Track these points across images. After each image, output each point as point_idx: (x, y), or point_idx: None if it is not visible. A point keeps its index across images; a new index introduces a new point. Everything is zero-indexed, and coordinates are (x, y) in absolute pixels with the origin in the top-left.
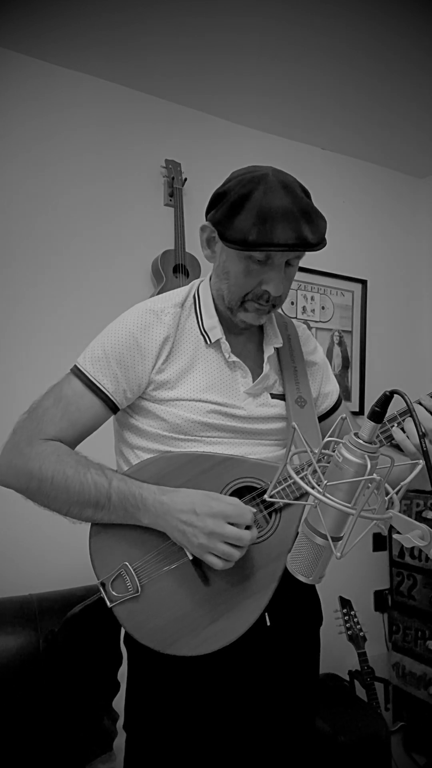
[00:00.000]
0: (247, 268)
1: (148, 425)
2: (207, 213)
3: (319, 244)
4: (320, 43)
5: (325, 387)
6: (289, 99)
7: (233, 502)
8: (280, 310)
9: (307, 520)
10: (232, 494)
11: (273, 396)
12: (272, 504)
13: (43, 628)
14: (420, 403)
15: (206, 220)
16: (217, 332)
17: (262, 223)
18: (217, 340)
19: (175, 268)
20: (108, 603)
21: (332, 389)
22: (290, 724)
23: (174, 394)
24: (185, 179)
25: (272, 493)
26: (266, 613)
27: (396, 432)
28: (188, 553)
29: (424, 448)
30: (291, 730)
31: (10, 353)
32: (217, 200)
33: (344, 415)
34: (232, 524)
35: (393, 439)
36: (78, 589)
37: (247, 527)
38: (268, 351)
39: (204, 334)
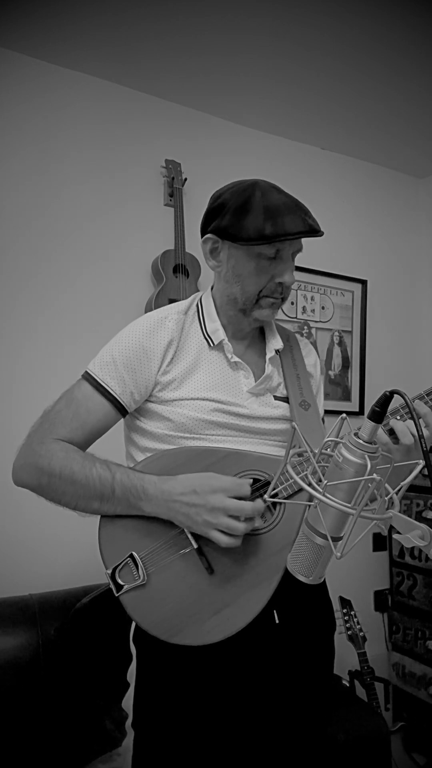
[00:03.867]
0: (259, 266)
1: (155, 427)
2: (205, 227)
3: (320, 230)
4: (320, 43)
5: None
6: (289, 99)
7: (230, 478)
8: (285, 316)
9: (307, 520)
10: None
11: (276, 398)
12: (276, 495)
13: (43, 628)
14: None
15: (206, 232)
16: (219, 334)
17: (273, 218)
18: (220, 342)
19: (175, 268)
20: (115, 591)
21: (319, 406)
22: (298, 726)
23: (178, 394)
24: (185, 179)
25: (273, 492)
26: (275, 611)
27: (395, 423)
28: (193, 542)
29: (425, 448)
30: (299, 732)
31: (10, 353)
32: (216, 213)
33: (344, 414)
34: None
35: (393, 432)
36: (78, 589)
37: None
38: (270, 353)
39: (207, 337)
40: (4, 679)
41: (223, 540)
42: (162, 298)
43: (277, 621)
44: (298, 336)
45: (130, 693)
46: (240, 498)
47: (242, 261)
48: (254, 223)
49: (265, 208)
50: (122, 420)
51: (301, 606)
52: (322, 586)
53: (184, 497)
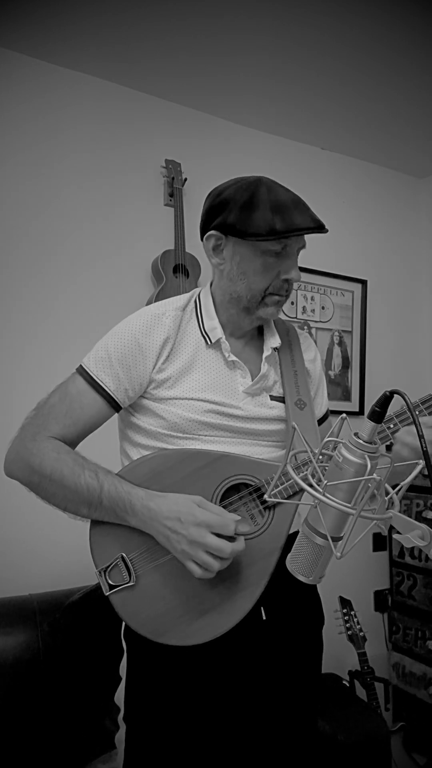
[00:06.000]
0: (265, 263)
1: (148, 423)
2: (206, 225)
3: (325, 226)
4: (320, 43)
5: (316, 399)
6: (289, 99)
7: (218, 512)
8: (284, 315)
9: (307, 520)
10: (226, 491)
11: (272, 398)
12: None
13: (43, 628)
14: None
15: (209, 229)
16: (217, 332)
17: (281, 213)
18: (218, 340)
19: (175, 268)
20: (105, 591)
21: (321, 402)
22: (288, 720)
23: (173, 392)
24: (185, 179)
25: (272, 492)
26: (262, 608)
27: (402, 434)
28: None
29: (424, 448)
30: (289, 726)
31: (10, 353)
32: (219, 209)
33: (344, 414)
34: (217, 534)
35: (390, 440)
36: (77, 589)
37: (234, 539)
38: (267, 351)
39: (204, 335)
40: (4, 679)
41: (197, 572)
42: (162, 298)
43: (264, 617)
44: (298, 330)
45: (122, 687)
46: (223, 536)
47: (248, 257)
48: (263, 218)
49: (272, 203)
50: (116, 414)
51: (289, 602)
52: None
53: (167, 522)
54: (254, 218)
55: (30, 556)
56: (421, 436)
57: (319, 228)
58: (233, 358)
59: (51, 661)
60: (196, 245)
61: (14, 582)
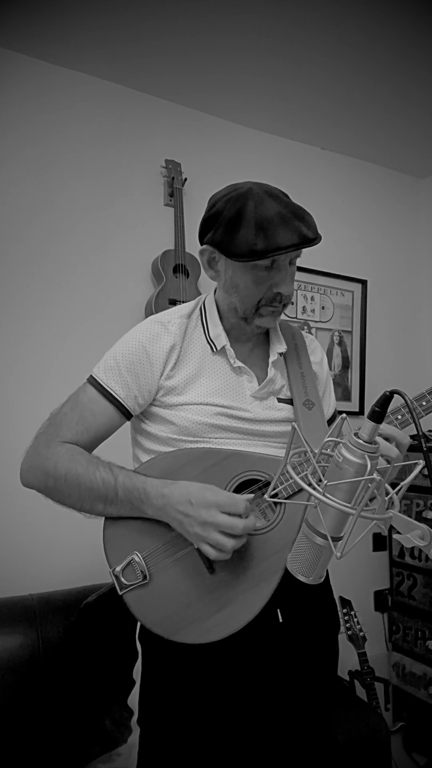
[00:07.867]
0: (255, 277)
1: (159, 430)
2: (201, 237)
3: (316, 238)
4: (320, 43)
5: (324, 399)
6: (289, 99)
7: (229, 495)
8: (284, 316)
9: (307, 520)
10: (238, 486)
11: (280, 400)
12: (276, 495)
13: (43, 628)
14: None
15: (202, 243)
16: (222, 339)
17: (264, 231)
18: (223, 347)
19: (175, 268)
20: (119, 590)
21: (329, 403)
22: (301, 725)
23: (182, 399)
24: (185, 179)
25: (273, 492)
26: (278, 610)
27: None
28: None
29: (425, 448)
30: (301, 731)
31: (9, 352)
32: (210, 223)
33: (344, 414)
34: (229, 514)
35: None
36: (78, 589)
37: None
38: (273, 356)
39: (210, 342)
40: (4, 679)
41: (212, 554)
42: (162, 299)
43: (280, 620)
44: (304, 333)
45: (136, 690)
46: (235, 514)
47: (239, 272)
48: (245, 238)
49: (256, 220)
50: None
51: (305, 605)
52: (326, 586)
53: (179, 506)
54: (237, 238)
55: (30, 556)
56: (421, 436)
57: (305, 243)
58: (239, 364)
59: (51, 661)
60: (196, 245)
61: (14, 582)
